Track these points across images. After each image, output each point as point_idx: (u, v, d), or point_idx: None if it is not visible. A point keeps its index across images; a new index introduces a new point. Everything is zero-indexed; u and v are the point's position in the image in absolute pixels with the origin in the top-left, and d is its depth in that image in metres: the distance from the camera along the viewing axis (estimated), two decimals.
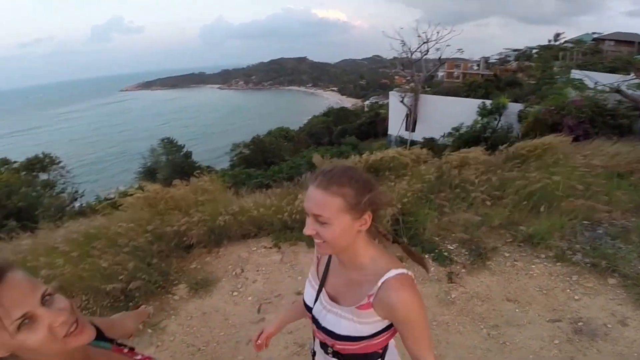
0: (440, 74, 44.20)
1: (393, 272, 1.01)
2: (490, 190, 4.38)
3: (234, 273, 3.57)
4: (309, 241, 3.73)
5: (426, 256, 3.57)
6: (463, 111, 17.71)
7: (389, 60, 25.60)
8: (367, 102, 62.29)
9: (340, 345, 1.10)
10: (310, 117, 47.30)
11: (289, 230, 4.09)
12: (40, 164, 15.71)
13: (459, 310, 2.90)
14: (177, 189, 4.41)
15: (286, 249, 3.89)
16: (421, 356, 1.04)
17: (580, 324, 2.62)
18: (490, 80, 28.43)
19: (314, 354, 1.30)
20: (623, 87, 11.35)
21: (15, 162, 15.93)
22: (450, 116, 18.04)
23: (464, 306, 2.94)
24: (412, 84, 22.48)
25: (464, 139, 15.16)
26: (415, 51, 22.61)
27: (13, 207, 11.38)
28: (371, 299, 1.02)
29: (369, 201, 0.99)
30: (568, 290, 2.98)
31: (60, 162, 16.44)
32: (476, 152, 5.49)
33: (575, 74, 15.18)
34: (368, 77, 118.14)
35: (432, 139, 18.57)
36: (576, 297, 2.89)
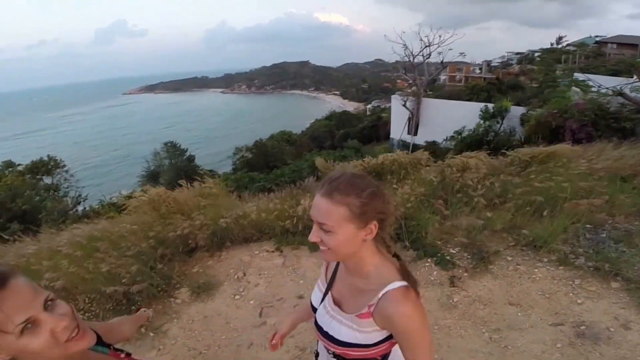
0: (443, 77, 44.27)
1: (395, 284, 1.00)
2: (493, 194, 4.37)
3: (236, 277, 3.58)
4: (311, 245, 3.73)
5: (428, 260, 3.57)
6: (465, 115, 17.69)
7: (391, 64, 25.61)
8: (369, 106, 62.33)
9: (340, 351, 1.11)
10: (312, 121, 47.34)
11: (291, 234, 4.10)
12: (45, 167, 15.77)
13: (460, 314, 2.89)
14: (180, 192, 4.42)
15: (288, 253, 3.89)
16: None
17: (582, 327, 2.61)
18: (493, 84, 28.39)
19: (317, 355, 1.31)
20: (626, 90, 11.32)
21: (19, 165, 16.01)
22: (452, 120, 18.03)
23: (466, 310, 2.93)
24: (414, 88, 22.51)
25: (467, 142, 15.15)
26: (418, 55, 22.67)
27: (17, 209, 11.44)
28: (371, 309, 1.02)
29: (374, 211, 0.99)
30: (571, 294, 2.97)
31: (64, 165, 16.50)
32: (478, 156, 5.50)
33: (578, 77, 15.13)
34: (370, 80, 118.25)
35: (434, 143, 18.56)
36: (579, 301, 2.88)
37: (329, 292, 1.18)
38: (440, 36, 22.02)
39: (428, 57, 22.98)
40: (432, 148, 15.30)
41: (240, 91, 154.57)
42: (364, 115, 45.47)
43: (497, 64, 50.40)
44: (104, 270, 3.08)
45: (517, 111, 16.38)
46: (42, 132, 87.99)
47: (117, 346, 1.06)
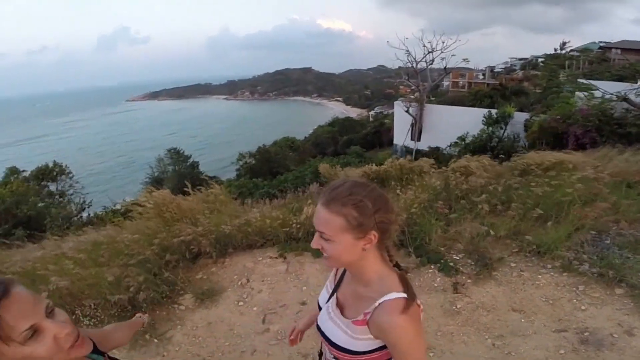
0: (446, 83, 44.28)
1: (393, 295, 0.99)
2: (497, 200, 4.37)
3: (239, 283, 3.59)
4: (315, 252, 3.74)
5: (432, 266, 3.57)
6: (468, 120, 17.69)
7: (393, 70, 25.68)
8: (372, 112, 62.49)
9: (335, 353, 1.12)
10: (315, 127, 47.50)
11: (294, 240, 4.12)
12: (50, 173, 15.87)
13: (464, 321, 2.89)
14: (184, 199, 4.45)
15: (292, 259, 3.90)
16: None
17: (586, 334, 2.60)
18: (496, 90, 28.38)
19: (320, 354, 1.32)
20: (630, 96, 11.28)
21: (23, 171, 16.13)
22: (455, 126, 18.03)
23: (469, 316, 2.93)
24: (417, 94, 22.54)
25: (470, 148, 15.12)
26: (421, 61, 22.70)
27: (23, 215, 11.52)
28: (367, 317, 1.02)
29: (373, 221, 0.99)
30: (574, 300, 2.96)
31: (69, 172, 16.60)
32: (481, 159, 5.53)
33: (582, 83, 15.11)
34: (373, 87, 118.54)
35: (437, 149, 18.56)
36: (583, 307, 2.87)
37: (335, 294, 1.19)
38: (443, 42, 22.02)
39: (431, 63, 22.99)
40: (436, 154, 15.31)
41: (243, 98, 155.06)
42: (367, 122, 45.56)
43: (501, 69, 50.34)
44: (109, 280, 3.09)
45: (520, 117, 16.36)
46: (45, 138, 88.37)
47: (111, 355, 1.08)
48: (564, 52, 41.47)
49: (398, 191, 5.02)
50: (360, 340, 1.04)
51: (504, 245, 3.81)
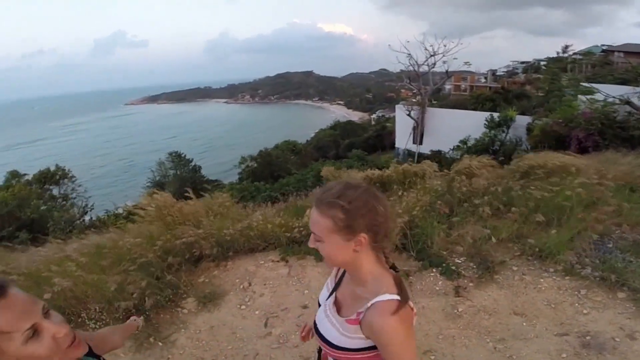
0: (448, 86, 44.32)
1: (385, 297, 1.00)
2: (499, 203, 4.38)
3: (241, 287, 3.60)
4: (317, 255, 3.76)
5: (434, 270, 3.58)
6: (470, 124, 17.71)
7: (395, 73, 25.71)
8: (374, 116, 62.53)
9: (327, 350, 1.13)
10: (317, 131, 47.52)
11: (296, 244, 4.12)
12: (53, 177, 15.92)
13: (465, 324, 2.89)
14: (186, 204, 4.47)
15: (293, 263, 3.91)
16: None
17: (588, 337, 2.60)
18: (498, 93, 28.40)
19: (319, 350, 1.33)
20: (633, 99, 11.28)
21: (25, 174, 16.19)
22: (457, 129, 18.05)
23: (471, 320, 2.93)
24: (418, 97, 22.57)
25: (472, 152, 15.13)
26: (422, 64, 22.74)
27: (26, 218, 11.58)
28: (360, 317, 1.04)
29: (362, 224, 1.00)
30: (576, 304, 2.96)
31: (72, 176, 16.65)
32: (482, 160, 5.55)
33: (584, 86, 15.09)
34: (374, 90, 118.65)
35: (439, 152, 18.58)
36: (584, 311, 2.87)
37: (334, 294, 1.21)
38: (445, 45, 22.09)
39: (433, 67, 23.04)
40: (438, 157, 15.32)
41: (244, 101, 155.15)
42: (368, 125, 45.61)
43: (503, 73, 50.42)
44: (113, 289, 3.11)
45: (522, 120, 16.37)
46: (44, 141, 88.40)
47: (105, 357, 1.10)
48: (566, 55, 41.45)
49: (400, 194, 5.03)
50: (352, 338, 1.06)
51: (506, 249, 3.81)
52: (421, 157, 17.72)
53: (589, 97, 12.23)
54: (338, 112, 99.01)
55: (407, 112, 21.65)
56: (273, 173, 21.53)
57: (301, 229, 4.13)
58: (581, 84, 14.95)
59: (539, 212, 4.01)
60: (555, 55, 43.29)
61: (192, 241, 3.87)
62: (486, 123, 16.96)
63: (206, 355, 2.83)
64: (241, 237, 4.09)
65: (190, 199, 4.66)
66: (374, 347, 1.05)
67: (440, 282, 3.42)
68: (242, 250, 4.11)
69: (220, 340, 2.97)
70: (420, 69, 22.87)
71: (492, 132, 16.57)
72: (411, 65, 22.84)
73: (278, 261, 3.96)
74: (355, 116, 79.32)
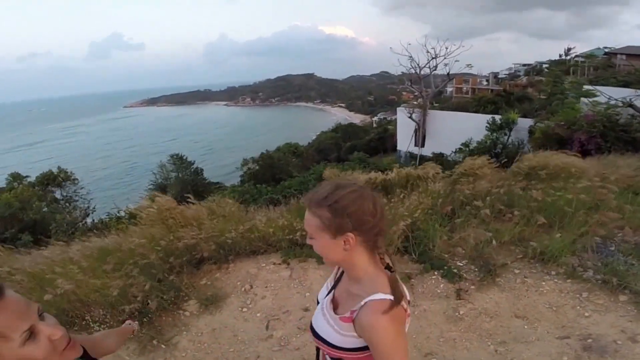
0: (449, 89, 44.32)
1: (378, 296, 1.01)
2: (501, 205, 4.37)
3: (243, 289, 3.61)
4: (319, 258, 3.75)
5: (435, 273, 3.58)
6: (472, 126, 17.72)
7: (397, 76, 25.73)
8: (375, 118, 62.60)
9: (322, 347, 1.15)
10: (318, 133, 47.58)
11: (298, 247, 4.12)
12: (55, 179, 15.94)
13: (466, 327, 2.89)
14: (189, 208, 4.47)
15: (295, 266, 3.91)
16: None
17: (589, 340, 2.59)
18: (500, 96, 28.37)
19: (318, 350, 1.35)
20: (636, 102, 11.26)
21: (27, 176, 16.22)
22: (459, 132, 18.05)
23: (472, 322, 2.93)
24: (420, 100, 22.58)
25: (474, 154, 15.08)
26: (424, 67, 22.75)
27: (29, 220, 11.62)
28: (353, 315, 1.05)
29: (347, 223, 1.02)
30: (578, 307, 2.96)
31: (75, 178, 16.67)
32: (482, 161, 5.55)
33: (588, 89, 15.06)
34: (376, 93, 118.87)
35: (441, 155, 18.57)
36: (586, 314, 2.86)
37: (332, 292, 1.22)
38: (447, 48, 22.08)
39: (434, 69, 23.04)
40: (440, 160, 15.30)
41: (244, 104, 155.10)
42: (370, 128, 45.68)
43: (505, 75, 50.41)
44: (116, 293, 3.12)
45: (525, 123, 16.35)
46: (43, 143, 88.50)
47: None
48: (568, 58, 41.39)
49: (402, 196, 5.03)
50: (345, 336, 1.07)
51: (508, 251, 3.81)
52: (423, 159, 17.72)
53: (591, 99, 12.23)
54: (339, 115, 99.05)
55: (409, 115, 21.65)
56: (275, 175, 21.55)
57: (304, 231, 4.13)
58: (584, 86, 14.94)
59: (541, 215, 4.01)
60: (557, 57, 43.27)
61: (194, 243, 3.88)
62: (488, 126, 16.95)
63: (208, 357, 2.84)
64: (243, 239, 4.09)
65: (193, 203, 4.67)
66: (367, 348, 1.06)
67: (441, 285, 3.42)
68: (244, 253, 4.11)
69: (222, 342, 2.98)
70: (422, 72, 22.87)
71: (494, 134, 16.56)
72: (413, 67, 22.85)
73: (279, 264, 3.97)
74: (357, 119, 79.34)
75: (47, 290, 2.97)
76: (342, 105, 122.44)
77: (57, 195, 15.60)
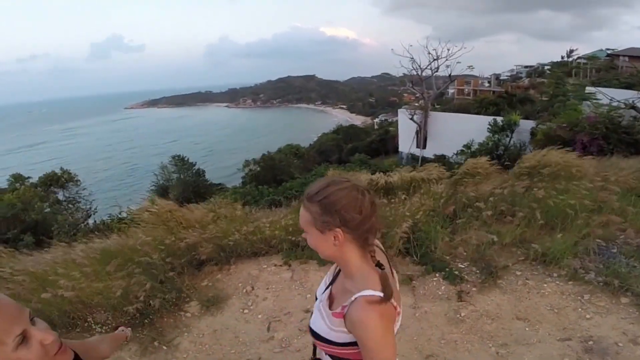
0: (451, 90, 44.29)
1: (368, 292, 1.02)
2: (502, 207, 4.37)
3: (244, 290, 3.61)
4: (320, 259, 3.77)
5: (437, 275, 3.57)
6: (474, 128, 17.71)
7: (398, 77, 25.76)
8: (376, 120, 62.63)
9: (316, 342, 1.17)
10: (320, 135, 47.61)
11: (299, 248, 4.12)
12: (58, 180, 15.96)
13: (468, 329, 2.89)
14: (191, 211, 4.47)
15: (296, 267, 3.91)
16: None
17: (590, 342, 2.59)
18: (502, 97, 28.35)
19: (315, 347, 1.36)
20: (638, 104, 11.23)
21: (28, 178, 16.26)
22: (461, 133, 18.04)
23: (473, 324, 2.93)
24: (421, 102, 22.57)
25: (476, 156, 15.07)
26: (425, 68, 22.75)
27: (31, 221, 11.65)
28: (344, 310, 1.06)
29: (335, 219, 1.05)
30: (579, 309, 2.96)
31: (78, 180, 16.70)
32: (484, 161, 5.57)
33: (590, 90, 15.02)
34: (377, 94, 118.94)
35: (443, 156, 18.55)
36: (587, 316, 2.86)
37: (330, 287, 1.24)
38: (448, 49, 22.10)
39: (436, 71, 23.05)
40: (442, 162, 15.29)
41: (245, 105, 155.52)
42: (371, 129, 45.72)
43: (506, 77, 50.32)
44: (118, 294, 3.13)
45: (526, 125, 16.33)
46: (44, 145, 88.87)
47: None
48: (570, 59, 41.34)
49: (403, 198, 5.03)
50: (337, 332, 1.09)
51: (509, 253, 3.80)
52: (425, 161, 17.71)
53: (593, 101, 12.21)
54: (340, 116, 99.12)
55: (410, 116, 21.66)
56: (276, 177, 21.55)
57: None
58: (586, 88, 14.92)
59: (543, 217, 4.00)
60: (559, 59, 43.22)
61: (195, 243, 3.88)
62: (490, 127, 16.93)
63: (209, 359, 2.85)
64: (245, 241, 4.10)
65: (196, 202, 4.67)
66: (356, 344, 1.07)
67: (443, 287, 3.42)
68: (245, 254, 4.12)
69: (223, 344, 2.98)
70: (424, 73, 22.88)
71: (496, 136, 16.53)
72: (414, 69, 22.86)
73: (281, 265, 3.97)
74: (358, 120, 79.39)
75: (48, 291, 2.98)
76: (343, 106, 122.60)
77: (60, 196, 15.63)
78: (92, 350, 1.22)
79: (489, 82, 47.41)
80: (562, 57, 43.10)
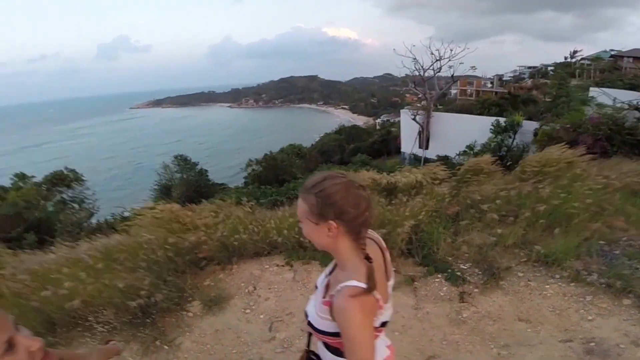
0: (453, 91, 44.22)
1: (352, 283, 1.07)
2: (505, 208, 4.36)
3: (246, 290, 3.61)
4: (322, 260, 3.77)
5: (439, 276, 3.57)
6: (477, 129, 17.65)
7: (400, 78, 25.73)
8: (378, 120, 62.59)
9: (311, 331, 1.22)
10: (322, 135, 47.60)
11: (302, 249, 4.12)
12: (66, 179, 15.99)
13: (469, 330, 2.89)
14: (197, 213, 4.47)
15: (298, 268, 3.91)
16: None
17: (592, 344, 2.59)
18: (505, 98, 28.27)
19: (310, 334, 1.39)
20: None
21: (32, 176, 16.32)
22: (463, 134, 18.00)
23: (475, 326, 2.93)
24: (424, 102, 22.54)
25: (479, 157, 15.02)
26: (428, 69, 22.69)
27: (34, 219, 11.70)
28: (332, 299, 1.10)
29: (330, 212, 1.09)
30: (582, 310, 2.95)
31: (84, 180, 16.73)
32: (485, 160, 5.55)
33: (594, 91, 14.94)
34: (379, 95, 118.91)
35: (446, 157, 18.50)
36: (589, 318, 2.86)
37: (329, 277, 1.27)
38: (451, 50, 22.03)
39: (438, 71, 22.98)
40: (445, 162, 15.24)
41: (247, 105, 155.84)
42: (373, 130, 45.70)
43: (509, 78, 50.16)
44: (121, 286, 3.14)
45: (530, 126, 16.24)
46: (50, 144, 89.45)
47: None
48: (574, 60, 41.20)
49: (405, 199, 5.01)
50: (324, 319, 1.14)
51: (512, 255, 3.79)
52: (427, 162, 17.68)
53: (597, 102, 12.15)
54: (343, 117, 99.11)
55: (413, 117, 21.62)
56: (278, 177, 21.57)
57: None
58: (591, 88, 14.85)
59: (546, 218, 3.99)
60: (563, 60, 43.08)
61: (199, 242, 3.88)
62: (492, 128, 16.87)
63: (210, 359, 2.85)
64: (250, 241, 4.09)
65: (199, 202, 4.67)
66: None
67: (445, 288, 3.41)
68: (247, 254, 4.12)
69: (225, 344, 2.99)
70: (426, 74, 22.83)
71: (499, 137, 16.47)
72: (416, 69, 22.80)
73: (283, 265, 3.97)
74: (360, 121, 79.37)
75: (48, 289, 3.00)
76: (346, 107, 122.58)
77: (65, 195, 15.68)
78: None
79: (492, 82, 47.26)
80: (566, 58, 42.99)
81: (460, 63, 22.20)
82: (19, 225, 11.37)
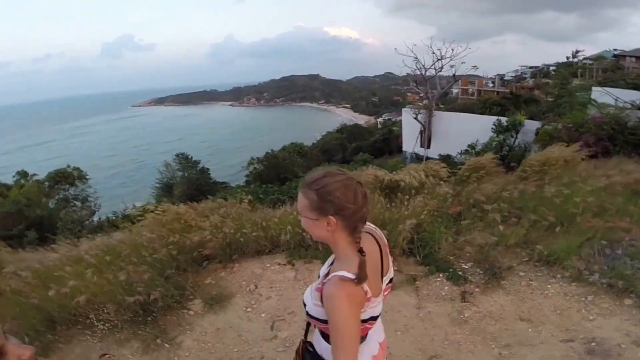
0: (455, 90, 44.13)
1: (342, 273, 1.11)
2: (507, 208, 4.35)
3: (248, 289, 3.61)
4: (324, 259, 3.76)
5: (440, 275, 3.57)
6: (478, 128, 17.59)
7: (401, 77, 25.64)
8: (380, 119, 62.53)
9: (307, 318, 1.28)
10: (324, 134, 47.57)
11: (303, 247, 4.12)
12: (69, 177, 16.00)
13: (471, 330, 2.88)
14: (201, 213, 4.47)
15: (300, 267, 3.91)
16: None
17: (593, 344, 2.58)
18: (507, 98, 28.20)
19: (308, 323, 1.44)
20: None
21: (34, 174, 16.35)
22: (465, 133, 17.94)
23: (477, 325, 2.92)
24: (425, 101, 22.48)
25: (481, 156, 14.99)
26: (429, 68, 22.61)
27: (35, 217, 11.72)
28: (323, 286, 1.15)
29: (329, 207, 1.13)
30: (583, 310, 2.95)
31: (87, 178, 16.74)
32: (487, 159, 5.55)
33: (596, 91, 14.87)
34: (380, 94, 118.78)
35: (448, 156, 18.45)
36: (591, 318, 2.85)
37: (330, 268, 1.30)
38: (452, 49, 21.92)
39: (440, 70, 22.89)
40: (447, 162, 15.21)
41: (249, 104, 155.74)
42: (375, 129, 45.63)
43: (511, 77, 50.08)
44: (122, 279, 3.15)
45: (531, 125, 16.19)
46: (53, 142, 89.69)
47: None
48: (576, 60, 41.07)
49: (407, 199, 5.00)
50: (316, 306, 1.19)
51: (513, 254, 3.79)
52: (429, 161, 17.64)
53: (599, 101, 12.10)
54: (344, 116, 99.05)
55: (414, 116, 21.56)
56: (279, 175, 21.57)
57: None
58: (593, 88, 14.79)
59: (547, 218, 3.98)
60: (565, 60, 42.96)
61: (201, 240, 3.89)
62: (494, 127, 16.82)
63: (212, 357, 2.85)
64: (252, 239, 4.09)
65: (200, 200, 4.67)
66: None
67: (446, 287, 3.41)
68: (249, 253, 4.12)
69: (226, 342, 2.99)
70: (427, 73, 22.75)
71: (501, 136, 16.42)
72: (418, 68, 22.72)
73: (284, 264, 3.96)
74: (362, 119, 79.33)
75: (50, 288, 3.00)
76: (347, 105, 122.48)
77: (68, 193, 15.70)
78: None
79: (493, 82, 47.22)
80: (568, 58, 42.87)
81: (461, 62, 22.11)
82: (20, 222, 11.39)
